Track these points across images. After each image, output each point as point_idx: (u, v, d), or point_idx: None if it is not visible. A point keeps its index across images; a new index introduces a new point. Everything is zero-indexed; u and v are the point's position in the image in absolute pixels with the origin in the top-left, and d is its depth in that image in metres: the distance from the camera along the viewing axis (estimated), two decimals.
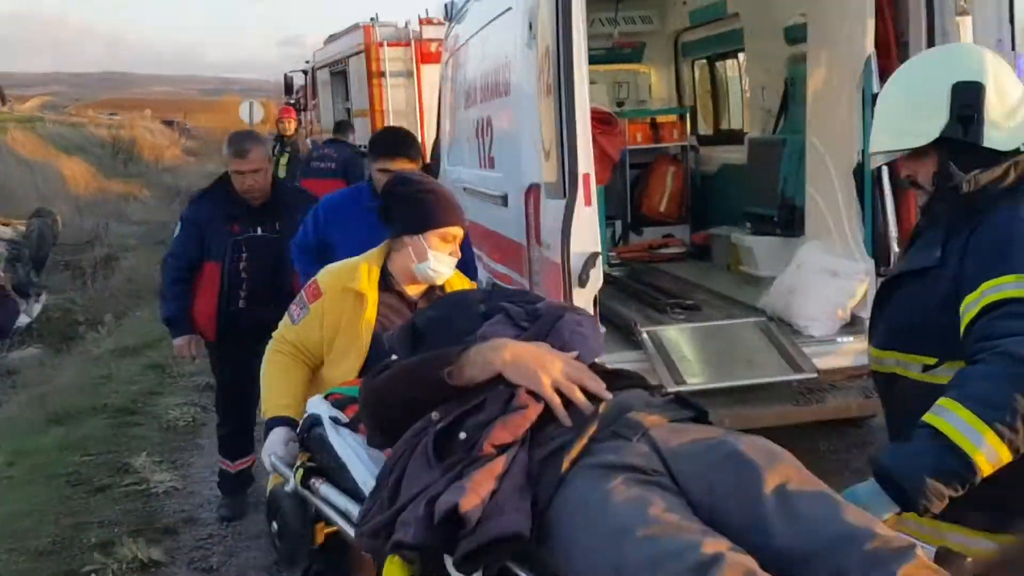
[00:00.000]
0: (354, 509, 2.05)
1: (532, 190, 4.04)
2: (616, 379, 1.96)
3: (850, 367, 4.28)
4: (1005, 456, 1.72)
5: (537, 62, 3.72)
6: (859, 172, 4.57)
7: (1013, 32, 4.00)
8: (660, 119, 7.51)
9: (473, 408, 1.85)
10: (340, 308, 2.69)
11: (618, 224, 7.23)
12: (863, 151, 4.53)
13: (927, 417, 1.77)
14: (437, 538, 1.65)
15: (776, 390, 4.30)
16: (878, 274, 4.45)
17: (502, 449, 1.74)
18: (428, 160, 7.76)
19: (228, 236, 4.24)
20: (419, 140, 4.26)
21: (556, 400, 1.81)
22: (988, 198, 1.99)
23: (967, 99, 1.96)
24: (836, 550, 1.48)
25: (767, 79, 6.44)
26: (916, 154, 2.04)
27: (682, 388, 4.00)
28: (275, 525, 2.39)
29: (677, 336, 4.54)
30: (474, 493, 1.65)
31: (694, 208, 7.41)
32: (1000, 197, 1.98)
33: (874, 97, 4.38)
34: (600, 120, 5.37)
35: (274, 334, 2.82)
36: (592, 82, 7.66)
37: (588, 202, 3.34)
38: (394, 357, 2.15)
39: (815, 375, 4.15)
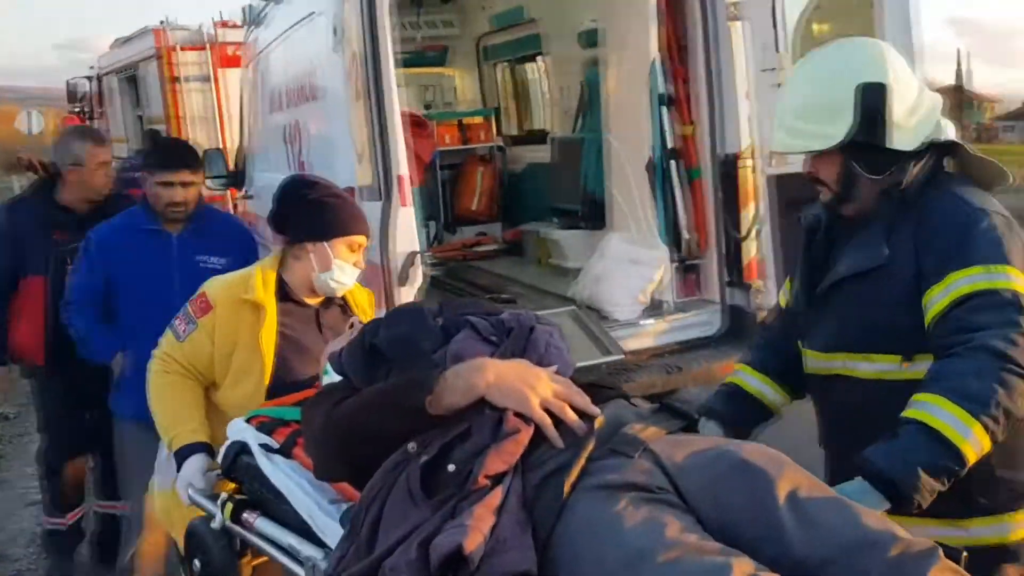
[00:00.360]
0: (299, 544, 1.92)
1: (348, 193, 4.09)
2: (596, 391, 1.82)
3: (652, 347, 4.60)
4: (987, 447, 1.75)
5: (345, 67, 3.77)
6: (652, 167, 4.93)
7: (777, 36, 4.45)
8: (468, 121, 7.70)
9: (457, 437, 1.67)
10: (235, 322, 2.49)
11: (433, 225, 7.37)
12: (655, 147, 4.89)
13: (914, 413, 1.77)
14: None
15: (589, 372, 4.55)
16: (673, 260, 4.83)
17: (496, 479, 1.59)
18: (233, 167, 7.59)
19: (52, 246, 3.81)
20: (198, 149, 4.06)
21: (547, 421, 1.67)
22: (916, 191, 2.02)
23: (872, 101, 1.95)
24: (858, 556, 1.43)
25: (566, 81, 6.78)
26: (820, 153, 2.05)
27: None
28: (197, 563, 2.19)
29: None
30: (477, 531, 1.48)
31: (505, 206, 7.66)
32: (924, 187, 2.01)
33: (661, 97, 4.81)
34: (412, 123, 5.48)
35: (155, 352, 2.57)
36: (399, 85, 7.81)
37: (405, 203, 3.44)
38: (331, 380, 2.04)
39: (623, 356, 4.42)
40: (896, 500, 1.71)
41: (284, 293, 2.56)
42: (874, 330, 2.04)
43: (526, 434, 1.65)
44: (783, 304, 2.40)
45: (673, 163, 4.88)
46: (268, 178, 6.15)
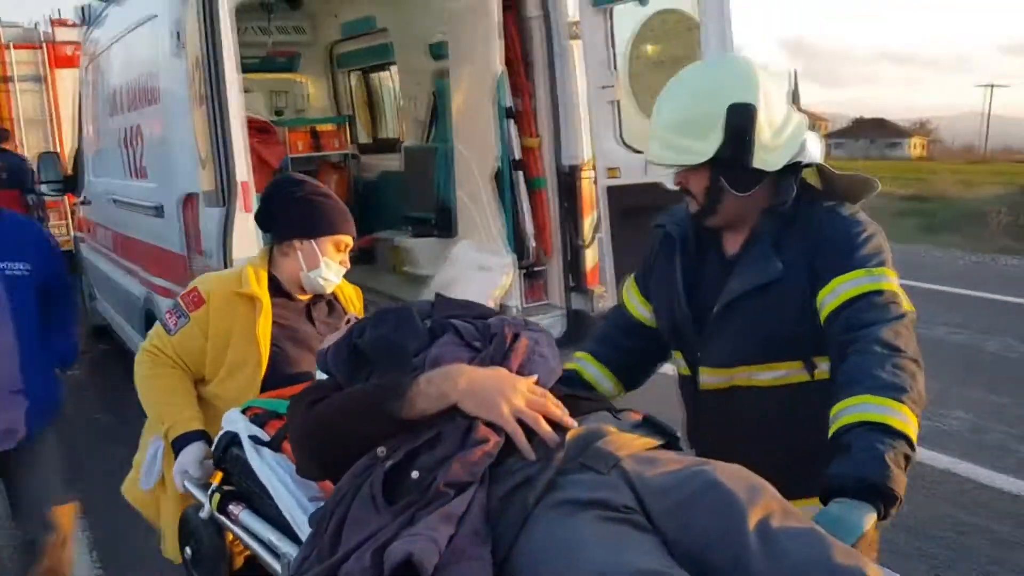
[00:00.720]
0: (278, 540, 1.91)
1: (189, 199, 4.03)
2: (577, 403, 1.79)
3: None
4: (917, 428, 1.79)
5: (187, 71, 3.72)
6: (498, 177, 5.08)
7: (614, 56, 4.70)
8: (320, 128, 7.67)
9: (426, 444, 1.64)
10: (230, 315, 2.46)
11: None
12: (501, 157, 5.05)
13: (849, 419, 1.80)
14: None
15: None
16: (519, 266, 5.00)
17: (459, 489, 1.54)
18: (69, 171, 7.27)
19: None
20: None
21: (519, 432, 1.62)
22: (795, 207, 2.10)
23: (740, 121, 2.01)
24: None
25: (417, 91, 6.86)
26: (691, 167, 2.11)
27: None
28: (188, 551, 2.21)
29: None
30: (430, 540, 1.44)
31: (358, 214, 7.61)
32: (798, 204, 2.10)
33: (508, 110, 4.98)
34: (257, 129, 5.43)
35: (143, 345, 2.51)
36: (248, 91, 7.66)
37: (248, 209, 3.42)
38: (321, 376, 2.03)
39: None
40: (880, 502, 1.67)
41: (275, 288, 2.56)
42: (775, 341, 2.10)
43: (495, 444, 1.61)
44: (633, 314, 2.44)
45: (519, 174, 5.05)
46: (105, 183, 5.94)
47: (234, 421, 2.20)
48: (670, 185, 2.27)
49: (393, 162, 7.26)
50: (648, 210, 4.59)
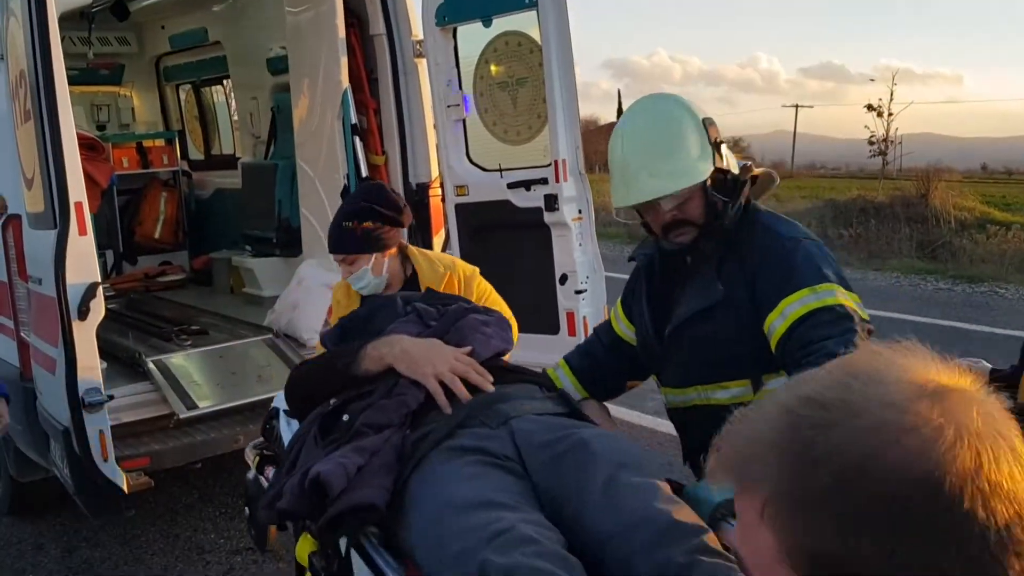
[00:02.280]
0: None
1: (11, 221, 3.75)
2: (509, 374, 2.18)
3: None
4: None
5: (10, 85, 3.46)
6: (346, 194, 5.01)
7: (459, 74, 4.76)
8: (148, 143, 7.30)
9: (360, 395, 2.09)
10: (347, 308, 2.86)
11: (109, 254, 6.87)
12: (348, 175, 4.99)
13: None
14: (305, 506, 1.86)
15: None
16: None
17: (376, 429, 1.94)
18: None
19: None
20: None
21: (437, 389, 2.03)
22: (733, 225, 2.18)
23: (712, 133, 2.15)
24: (632, 533, 1.62)
25: (255, 106, 6.66)
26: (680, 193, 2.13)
27: (194, 412, 4.04)
28: (247, 510, 2.54)
29: (185, 362, 4.54)
30: (339, 465, 1.82)
31: (192, 233, 7.34)
32: (741, 222, 2.18)
33: (353, 127, 4.93)
34: (85, 146, 5.10)
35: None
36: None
37: (83, 231, 3.21)
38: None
39: None
40: None
41: None
42: (722, 362, 2.20)
43: (413, 398, 2.03)
44: (617, 332, 2.57)
45: None
46: None
47: (279, 399, 2.56)
48: (626, 219, 2.38)
49: (229, 179, 7.00)
50: (497, 227, 4.70)
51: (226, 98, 7.57)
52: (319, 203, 5.24)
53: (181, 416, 4.01)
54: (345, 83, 4.89)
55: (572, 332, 4.45)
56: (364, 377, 2.13)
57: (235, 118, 7.35)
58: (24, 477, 4.32)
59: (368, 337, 2.23)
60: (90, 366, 3.24)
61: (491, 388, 2.06)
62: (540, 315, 4.05)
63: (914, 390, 0.70)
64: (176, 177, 7.39)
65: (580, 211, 4.39)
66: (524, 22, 4.40)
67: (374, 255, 2.82)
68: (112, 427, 3.93)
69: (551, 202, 4.35)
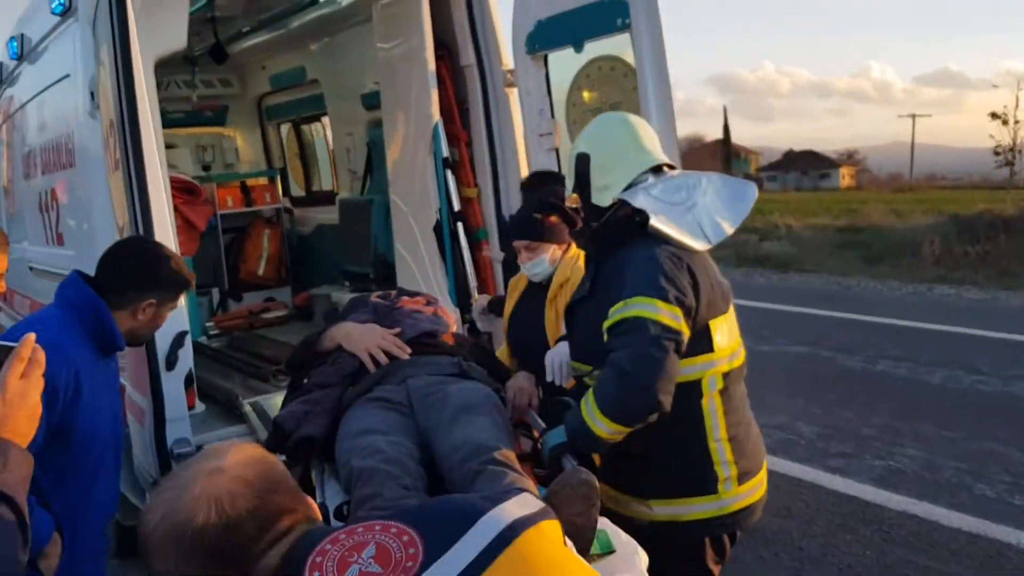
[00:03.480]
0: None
1: None
2: (429, 348, 3.05)
3: None
4: (617, 429, 2.41)
5: (103, 134, 3.50)
6: (438, 229, 4.92)
7: (551, 103, 4.60)
8: (251, 182, 7.43)
9: (319, 364, 3.04)
10: (515, 297, 3.55)
11: (215, 292, 7.00)
12: (440, 209, 4.89)
13: (583, 401, 2.48)
14: (276, 442, 2.73)
15: None
16: (464, 320, 4.81)
17: (321, 387, 2.89)
18: None
19: None
20: None
21: (367, 359, 2.95)
22: (614, 238, 2.59)
23: (580, 167, 2.64)
24: (455, 451, 2.40)
25: (351, 142, 6.69)
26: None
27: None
28: None
29: (280, 403, 4.49)
30: (290, 412, 2.79)
31: (294, 270, 7.41)
32: (625, 234, 2.56)
33: (444, 160, 4.84)
34: (183, 189, 5.19)
35: None
36: (173, 146, 7.42)
37: None
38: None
39: None
40: (572, 438, 2.51)
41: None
42: (587, 348, 2.63)
43: (349, 364, 2.96)
44: None
45: (459, 225, 4.89)
46: (21, 249, 5.62)
47: None
48: None
49: (328, 215, 7.05)
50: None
51: (324, 135, 7.65)
52: (412, 238, 5.17)
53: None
54: (436, 116, 4.81)
55: None
56: (325, 352, 3.09)
57: (333, 155, 7.40)
58: (128, 521, 4.35)
59: (328, 322, 3.30)
60: (178, 416, 3.20)
61: (406, 357, 2.95)
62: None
63: None
64: (279, 214, 7.49)
65: None
66: (617, 46, 4.22)
67: (553, 245, 3.29)
68: None
69: None
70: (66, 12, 3.95)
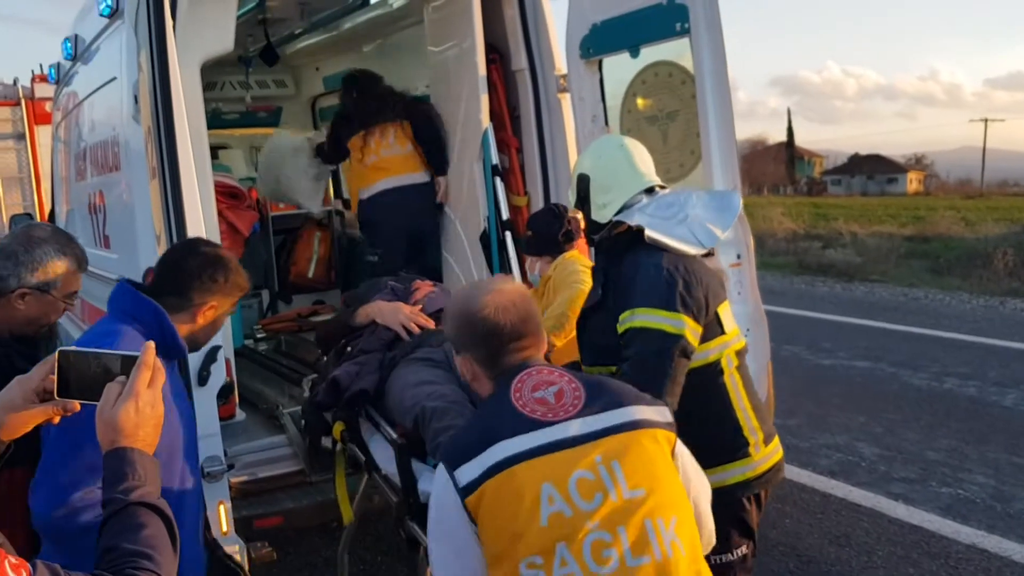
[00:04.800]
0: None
1: (150, 274, 3.72)
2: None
3: None
4: None
5: (144, 139, 3.44)
6: (486, 237, 4.79)
7: (605, 110, 4.44)
8: None
9: (357, 337, 3.62)
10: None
11: (265, 294, 6.96)
12: (489, 218, 4.77)
13: None
14: (331, 396, 3.33)
15: None
16: None
17: (365, 352, 3.46)
18: None
19: None
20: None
21: (401, 329, 3.55)
22: (619, 248, 2.81)
23: (581, 187, 2.96)
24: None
25: None
26: None
27: (322, 476, 3.88)
28: (303, 422, 3.87)
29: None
30: (345, 371, 3.33)
31: (343, 272, 7.34)
32: (626, 247, 2.78)
33: (494, 168, 4.70)
34: (227, 194, 5.15)
35: None
36: (226, 147, 7.41)
37: None
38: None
39: None
40: None
41: None
42: (600, 349, 2.84)
43: (386, 335, 3.55)
44: None
45: (508, 234, 4.75)
46: None
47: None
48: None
49: None
50: None
51: None
52: (460, 246, 5.05)
53: (310, 480, 3.87)
54: (486, 122, 4.69)
55: None
56: (358, 327, 3.67)
57: None
58: None
59: (358, 304, 3.82)
60: (211, 432, 3.12)
61: (432, 327, 3.55)
62: None
63: None
64: (330, 216, 7.42)
65: (739, 256, 3.95)
66: (675, 51, 4.03)
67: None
68: (246, 483, 3.84)
69: None
70: (113, 14, 3.90)
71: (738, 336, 2.90)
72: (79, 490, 2.17)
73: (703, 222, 2.82)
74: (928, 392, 7.62)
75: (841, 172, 78.03)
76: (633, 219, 2.76)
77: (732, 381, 2.82)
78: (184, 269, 2.52)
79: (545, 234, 4.19)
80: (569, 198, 3.05)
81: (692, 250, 2.79)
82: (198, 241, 2.70)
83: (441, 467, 1.99)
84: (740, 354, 2.89)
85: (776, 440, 2.95)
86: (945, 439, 6.39)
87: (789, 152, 72.05)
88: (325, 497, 3.89)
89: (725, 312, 2.86)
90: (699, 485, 2.19)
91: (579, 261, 4.13)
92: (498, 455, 1.92)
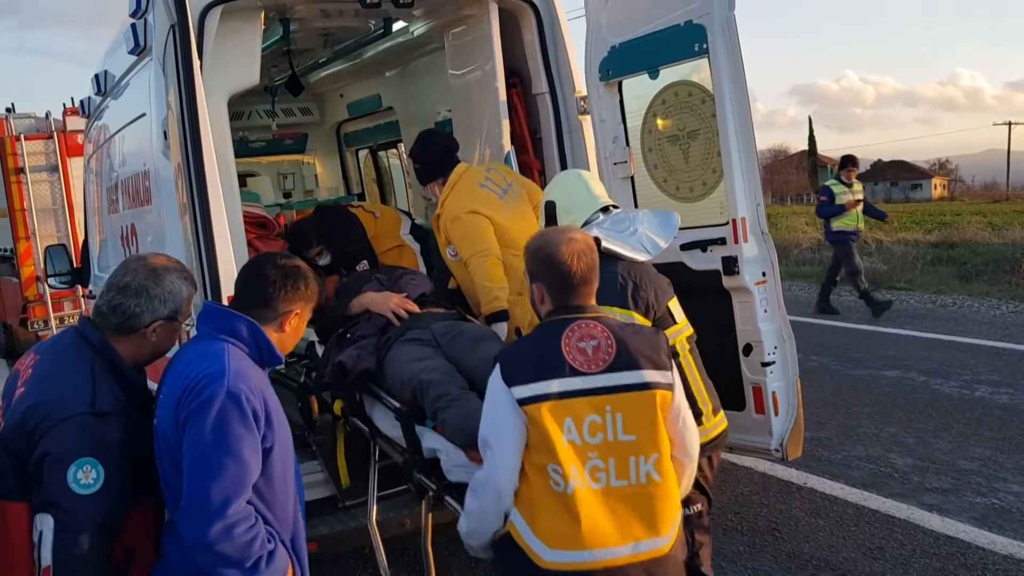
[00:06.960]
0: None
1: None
2: (429, 304, 4.28)
3: None
4: None
5: (174, 175, 3.52)
6: None
7: (626, 131, 4.47)
8: None
9: (354, 324, 4.11)
10: None
11: None
12: None
13: None
14: (338, 376, 3.87)
15: None
16: None
17: (363, 337, 3.96)
18: (78, 264, 7.11)
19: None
20: None
21: (392, 315, 4.09)
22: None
23: (549, 211, 3.51)
24: (480, 365, 3.48)
25: None
26: None
27: (352, 502, 3.94)
28: (299, 404, 4.50)
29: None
30: (349, 355, 3.85)
31: None
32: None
33: None
34: (256, 224, 5.23)
35: None
36: (254, 175, 7.52)
37: None
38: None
39: None
40: None
41: None
42: None
43: (380, 320, 4.08)
44: None
45: None
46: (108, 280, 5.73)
47: (311, 332, 4.50)
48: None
49: None
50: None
51: (400, 161, 7.66)
52: None
53: (344, 505, 3.91)
54: (508, 145, 4.73)
55: (760, 410, 4.01)
56: (354, 316, 4.18)
57: (409, 180, 7.40)
58: None
59: (356, 295, 4.30)
60: None
61: (419, 311, 4.13)
62: (722, 390, 3.63)
63: None
64: None
65: (764, 274, 3.98)
66: (694, 71, 4.07)
67: None
68: None
69: (730, 265, 3.97)
70: (141, 51, 4.00)
71: (687, 325, 3.46)
72: (231, 505, 2.31)
73: (648, 235, 3.38)
74: (959, 400, 7.54)
75: (864, 179, 77.42)
76: (592, 233, 3.19)
77: (687, 362, 3.39)
78: (268, 280, 2.60)
79: (425, 161, 4.56)
80: (539, 224, 3.62)
81: (641, 257, 3.34)
82: (274, 255, 2.78)
83: (500, 378, 2.57)
84: (690, 339, 3.48)
85: (722, 413, 3.55)
86: (978, 448, 6.32)
87: (811, 161, 71.54)
88: (358, 523, 3.93)
89: (675, 307, 3.44)
90: (691, 438, 2.76)
91: (466, 195, 4.34)
92: (541, 390, 2.52)
